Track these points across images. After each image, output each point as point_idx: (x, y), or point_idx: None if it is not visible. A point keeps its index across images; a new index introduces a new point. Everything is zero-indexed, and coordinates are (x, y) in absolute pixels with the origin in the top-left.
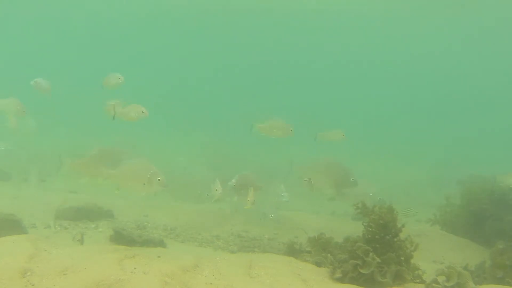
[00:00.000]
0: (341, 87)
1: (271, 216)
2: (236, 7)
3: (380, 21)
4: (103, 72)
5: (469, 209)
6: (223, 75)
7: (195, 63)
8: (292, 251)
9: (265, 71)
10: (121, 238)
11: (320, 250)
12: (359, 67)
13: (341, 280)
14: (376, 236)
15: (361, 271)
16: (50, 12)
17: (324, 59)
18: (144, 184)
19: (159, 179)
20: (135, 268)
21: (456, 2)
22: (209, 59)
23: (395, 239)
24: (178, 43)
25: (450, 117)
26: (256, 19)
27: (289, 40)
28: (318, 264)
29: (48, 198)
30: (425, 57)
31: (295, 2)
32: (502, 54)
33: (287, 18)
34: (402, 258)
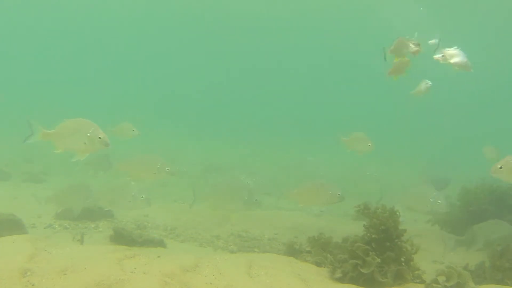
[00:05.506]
0: (342, 88)
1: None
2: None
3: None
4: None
5: (468, 209)
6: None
7: (210, 66)
8: (292, 251)
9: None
10: (121, 238)
11: (320, 250)
12: (359, 68)
13: (341, 280)
14: (376, 240)
15: (362, 270)
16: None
17: (322, 61)
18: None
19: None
20: (135, 268)
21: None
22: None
23: (396, 240)
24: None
25: (449, 117)
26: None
27: (296, 43)
28: (318, 264)
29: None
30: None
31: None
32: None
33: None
34: (403, 259)
